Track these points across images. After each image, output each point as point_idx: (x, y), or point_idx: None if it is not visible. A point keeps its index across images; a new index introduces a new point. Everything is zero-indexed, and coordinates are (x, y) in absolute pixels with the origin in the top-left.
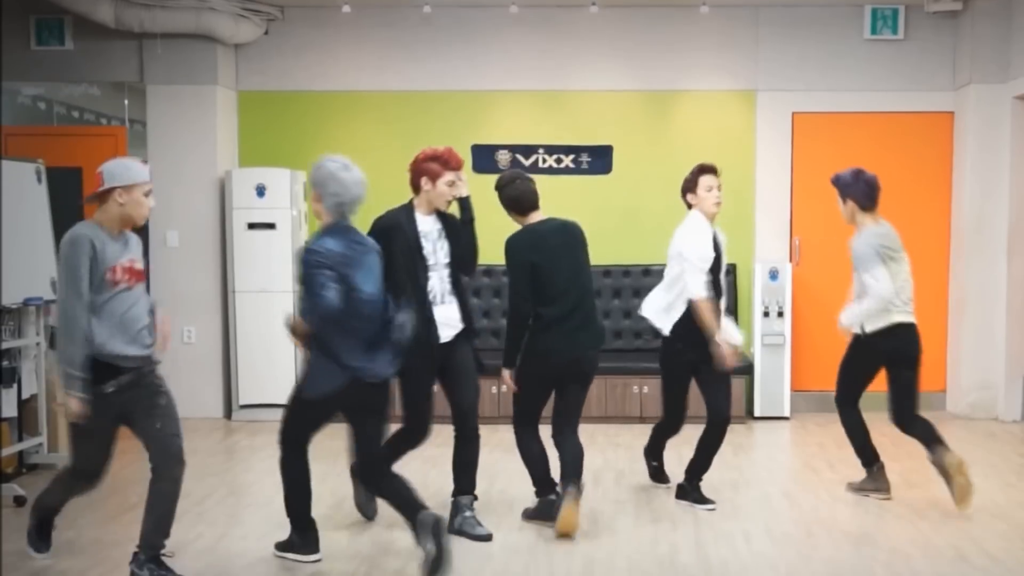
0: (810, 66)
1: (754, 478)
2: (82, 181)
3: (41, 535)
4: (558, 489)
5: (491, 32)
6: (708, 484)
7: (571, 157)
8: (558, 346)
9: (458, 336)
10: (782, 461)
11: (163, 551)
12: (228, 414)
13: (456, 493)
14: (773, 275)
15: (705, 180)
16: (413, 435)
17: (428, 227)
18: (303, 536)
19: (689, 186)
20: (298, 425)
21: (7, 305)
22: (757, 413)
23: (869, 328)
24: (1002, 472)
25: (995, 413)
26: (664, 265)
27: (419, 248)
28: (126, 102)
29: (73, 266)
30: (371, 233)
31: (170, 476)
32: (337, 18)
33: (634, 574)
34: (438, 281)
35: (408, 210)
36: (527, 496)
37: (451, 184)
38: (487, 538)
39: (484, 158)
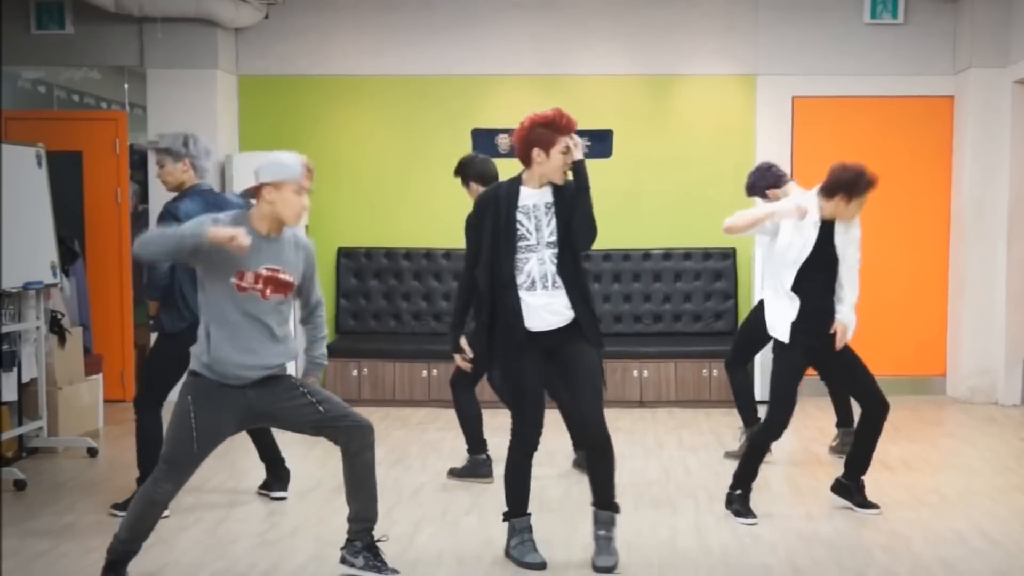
0: (810, 50)
1: None
2: (82, 165)
3: None
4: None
5: (491, 16)
6: (708, 470)
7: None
8: None
9: (568, 328)
10: (782, 445)
11: (378, 537)
12: None
13: (595, 504)
14: None
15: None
16: (514, 436)
17: (534, 201)
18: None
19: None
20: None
21: (7, 289)
22: (758, 397)
23: None
24: (1002, 456)
25: (995, 397)
26: (664, 248)
27: (511, 227)
28: (126, 86)
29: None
30: (474, 208)
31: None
32: (337, 2)
33: (634, 558)
34: (537, 264)
35: (513, 183)
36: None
37: (566, 151)
38: (604, 569)
39: (484, 142)
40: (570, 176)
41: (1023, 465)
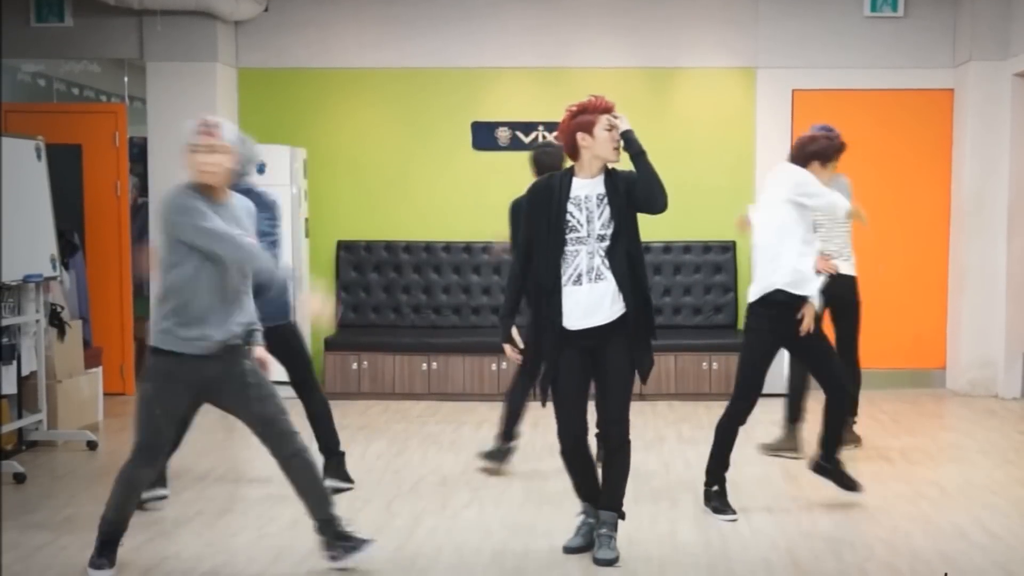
0: (810, 43)
1: (754, 455)
2: (82, 158)
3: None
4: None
5: (491, 9)
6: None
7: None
8: None
9: (612, 325)
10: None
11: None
12: None
13: (600, 506)
14: None
15: None
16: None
17: (586, 192)
18: None
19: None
20: None
21: (7, 282)
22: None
23: None
24: (1002, 449)
25: (995, 391)
26: (664, 242)
27: (561, 218)
28: (126, 79)
29: None
30: (527, 196)
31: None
32: None
33: (634, 551)
34: (586, 257)
35: (567, 174)
36: (527, 473)
37: (610, 128)
38: (604, 562)
39: (484, 135)
40: (622, 155)
41: (1023, 458)
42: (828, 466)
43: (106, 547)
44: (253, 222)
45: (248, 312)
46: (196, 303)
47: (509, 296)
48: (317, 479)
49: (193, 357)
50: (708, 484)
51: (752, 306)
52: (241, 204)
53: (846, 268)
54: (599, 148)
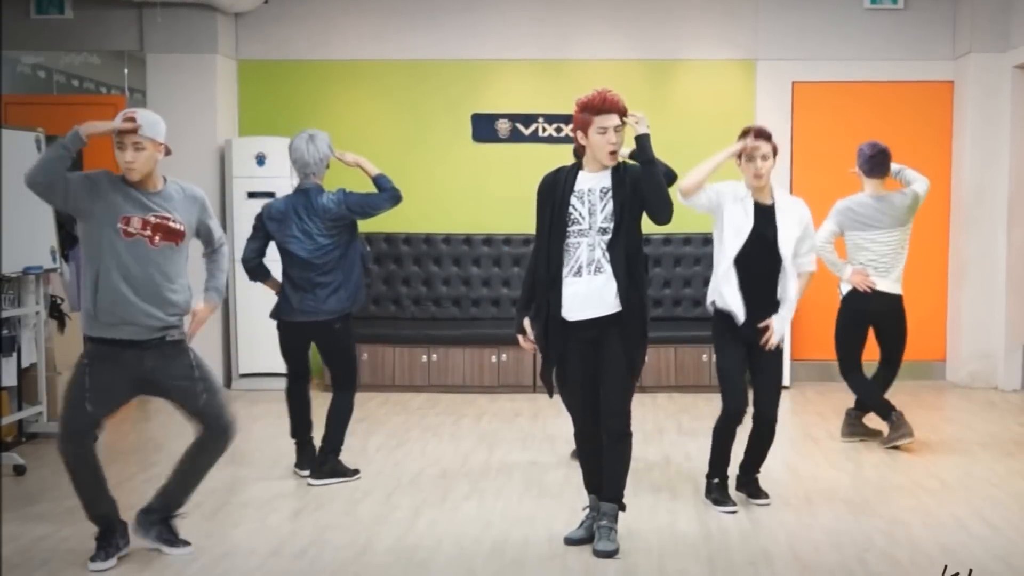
0: (810, 35)
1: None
2: (82, 150)
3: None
4: None
5: (491, 1)
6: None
7: (571, 126)
8: None
9: (611, 317)
10: (782, 430)
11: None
12: (228, 383)
13: (600, 497)
14: None
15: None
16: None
17: (590, 185)
18: None
19: None
20: None
21: (7, 274)
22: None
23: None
24: (1002, 442)
25: (995, 382)
26: (664, 234)
27: (563, 210)
28: (126, 71)
29: None
30: (537, 190)
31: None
32: None
33: (634, 542)
34: (587, 249)
35: (574, 167)
36: (526, 464)
37: (604, 131)
38: (604, 554)
39: (484, 127)
40: (623, 157)
41: (1023, 450)
42: (744, 479)
43: (102, 538)
44: (194, 211)
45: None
46: None
47: (524, 287)
48: (203, 475)
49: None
50: (709, 476)
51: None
52: (177, 193)
53: (884, 285)
54: (593, 150)
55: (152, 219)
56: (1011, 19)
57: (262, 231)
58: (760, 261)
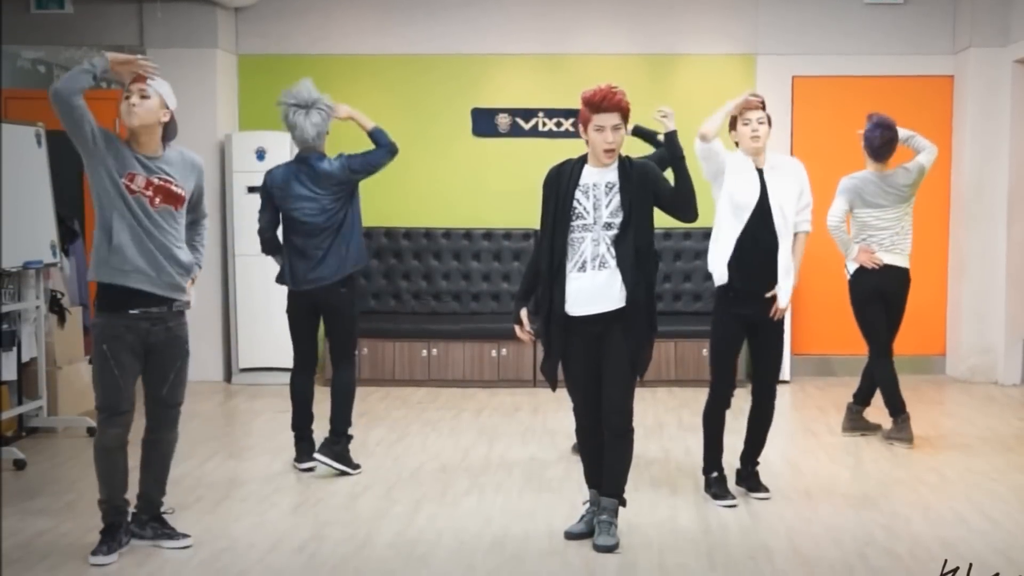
0: (810, 30)
1: None
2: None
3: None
4: None
5: None
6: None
7: (571, 120)
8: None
9: (616, 313)
10: (782, 425)
11: (163, 508)
12: (228, 377)
13: (601, 492)
14: None
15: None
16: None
17: (595, 180)
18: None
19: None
20: None
21: (7, 268)
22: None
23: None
24: (1002, 436)
25: (995, 377)
26: (664, 228)
27: (567, 204)
28: None
29: None
30: (544, 182)
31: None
32: None
33: (634, 538)
34: (591, 244)
35: (580, 160)
36: (526, 459)
37: (601, 130)
38: (604, 549)
39: (484, 122)
40: (614, 158)
41: (1023, 445)
42: (744, 470)
43: (109, 531)
44: (193, 178)
45: None
46: None
47: (524, 279)
48: (167, 465)
49: None
50: (707, 471)
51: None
52: (177, 158)
53: (892, 259)
54: (590, 146)
55: (155, 180)
56: (1011, 13)
57: (269, 200)
58: (766, 230)
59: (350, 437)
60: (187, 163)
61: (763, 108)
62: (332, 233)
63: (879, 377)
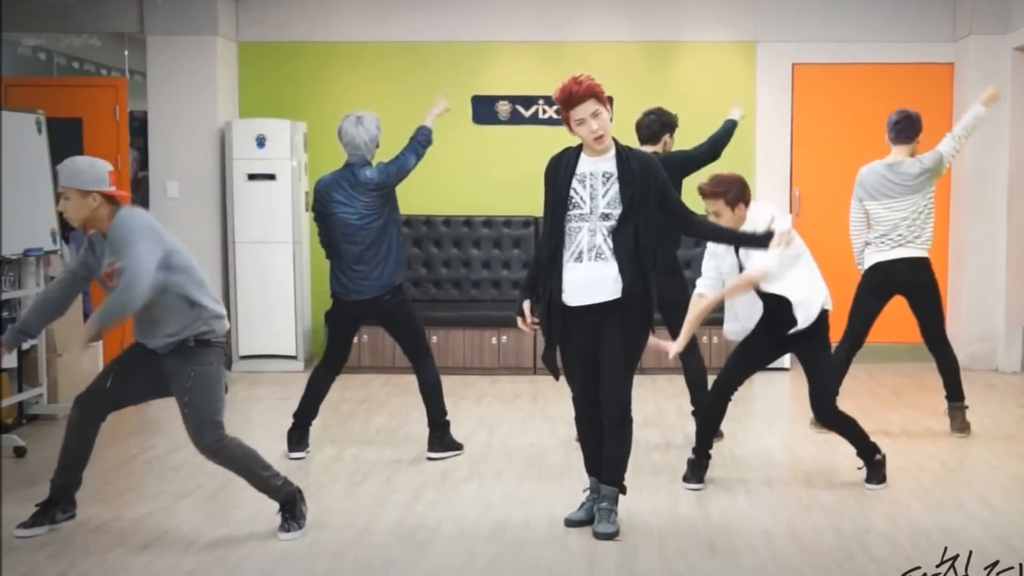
0: (810, 17)
1: (753, 429)
2: (82, 132)
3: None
4: None
5: None
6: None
7: None
8: None
9: (610, 305)
10: (781, 412)
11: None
12: (228, 365)
13: (601, 480)
14: None
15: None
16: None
17: (591, 169)
18: None
19: None
20: None
21: (7, 256)
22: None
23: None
24: (1002, 423)
25: (995, 364)
26: None
27: (563, 194)
28: (126, 53)
29: None
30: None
31: None
32: None
33: (634, 524)
34: (588, 235)
35: (577, 149)
36: (527, 446)
37: (581, 122)
38: (604, 536)
39: (484, 109)
40: (606, 143)
41: (1023, 432)
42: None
43: (44, 507)
44: (112, 245)
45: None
46: None
47: (529, 269)
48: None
49: None
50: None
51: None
52: (111, 230)
53: (905, 252)
54: (582, 139)
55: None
56: (1011, 1)
57: (317, 209)
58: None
59: (447, 423)
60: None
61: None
62: (372, 242)
63: (834, 359)
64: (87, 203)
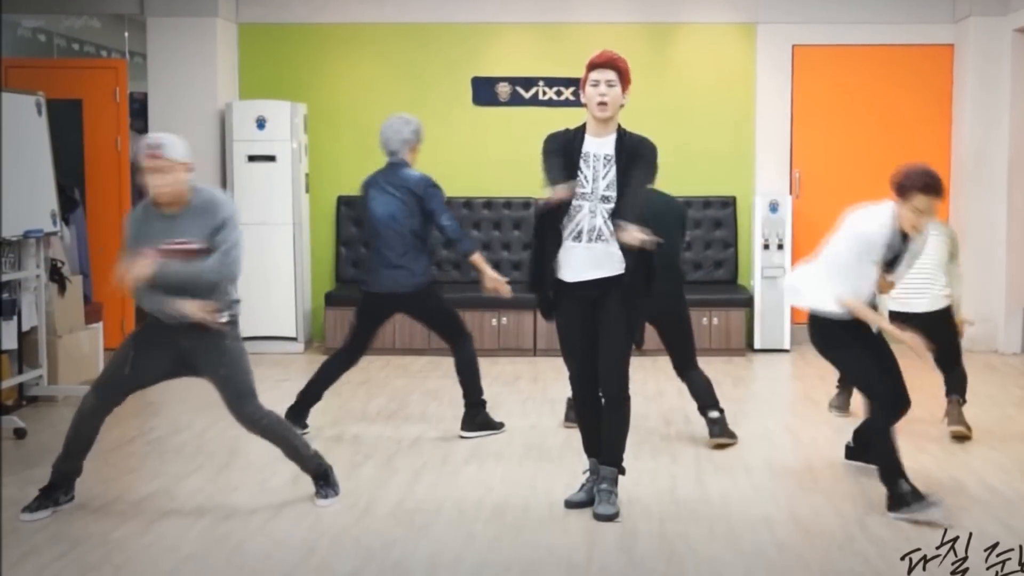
0: None
1: (754, 411)
2: (82, 113)
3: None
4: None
5: None
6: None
7: (571, 89)
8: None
9: (611, 281)
10: (782, 394)
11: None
12: None
13: (600, 461)
14: (773, 208)
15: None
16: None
17: (595, 150)
18: None
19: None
20: None
21: (7, 237)
22: (757, 345)
23: None
24: (1001, 404)
25: (995, 346)
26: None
27: (571, 173)
28: (126, 34)
29: None
30: (544, 144)
31: None
32: None
33: (634, 507)
34: (587, 215)
35: (579, 129)
36: (527, 428)
37: (596, 84)
38: (604, 517)
39: (484, 91)
40: (608, 113)
41: (1023, 413)
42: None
43: (46, 491)
44: (210, 223)
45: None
46: None
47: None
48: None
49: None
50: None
51: None
52: (198, 208)
53: (922, 305)
54: (586, 103)
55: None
56: None
57: (362, 204)
58: None
59: (484, 402)
60: (203, 210)
61: None
62: (403, 237)
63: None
64: (187, 177)
